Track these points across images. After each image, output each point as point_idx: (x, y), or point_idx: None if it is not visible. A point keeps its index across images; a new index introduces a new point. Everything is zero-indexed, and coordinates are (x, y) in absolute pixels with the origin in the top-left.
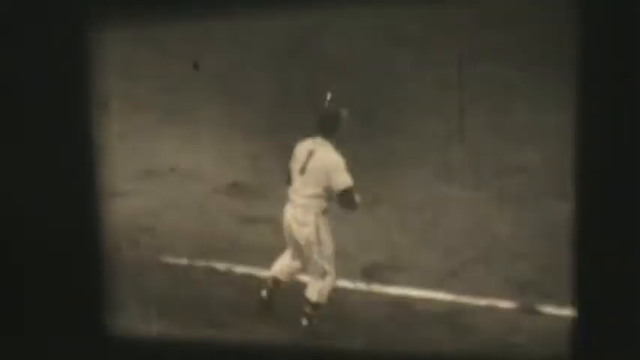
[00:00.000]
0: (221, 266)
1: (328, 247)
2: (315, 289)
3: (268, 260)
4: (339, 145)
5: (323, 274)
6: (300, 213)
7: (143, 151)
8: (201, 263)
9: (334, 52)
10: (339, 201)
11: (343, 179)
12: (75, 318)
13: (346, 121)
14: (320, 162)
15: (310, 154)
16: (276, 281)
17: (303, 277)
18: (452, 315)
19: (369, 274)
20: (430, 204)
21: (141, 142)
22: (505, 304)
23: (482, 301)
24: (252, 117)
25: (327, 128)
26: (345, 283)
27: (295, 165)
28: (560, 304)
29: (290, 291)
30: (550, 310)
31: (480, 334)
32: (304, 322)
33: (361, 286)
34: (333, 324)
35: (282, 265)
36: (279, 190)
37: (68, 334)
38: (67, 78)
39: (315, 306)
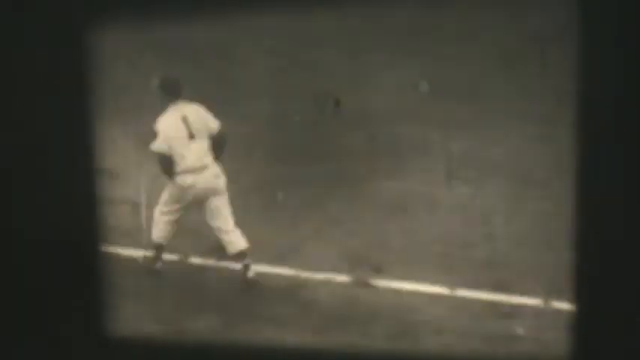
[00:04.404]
0: None
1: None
2: (240, 237)
3: (127, 240)
4: None
5: (233, 221)
6: (210, 172)
7: None
8: None
9: None
10: (215, 140)
11: (215, 122)
12: (74, 318)
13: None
14: (199, 118)
15: (185, 119)
16: (160, 248)
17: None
18: (293, 289)
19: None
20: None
21: None
22: (341, 277)
23: (320, 275)
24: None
25: (173, 92)
26: (196, 260)
27: (178, 137)
28: (392, 277)
29: None
30: (382, 283)
31: (319, 306)
32: (250, 274)
33: (210, 262)
34: (184, 301)
35: (166, 229)
36: (136, 172)
37: (67, 334)
38: (67, 78)
39: (249, 249)
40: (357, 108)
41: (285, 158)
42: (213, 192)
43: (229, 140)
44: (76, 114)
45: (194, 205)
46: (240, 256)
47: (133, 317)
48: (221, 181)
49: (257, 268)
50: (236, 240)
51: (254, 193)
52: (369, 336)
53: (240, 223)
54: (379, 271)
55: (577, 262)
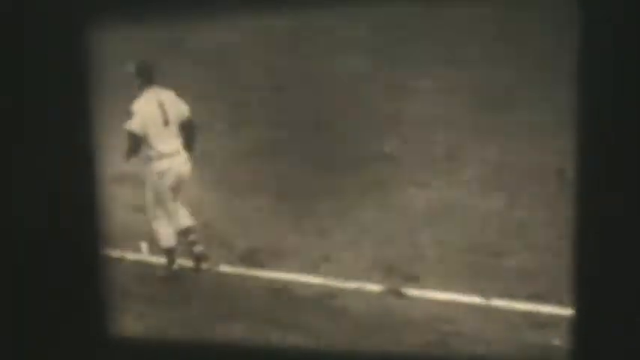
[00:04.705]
0: (114, 253)
1: None
2: (188, 215)
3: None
4: None
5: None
6: (181, 157)
7: None
8: None
9: None
10: (186, 127)
11: (186, 108)
12: (74, 318)
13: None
14: (173, 104)
15: (161, 104)
16: (171, 251)
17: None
18: (325, 298)
19: (248, 259)
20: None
21: None
22: (373, 286)
23: (353, 284)
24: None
25: (147, 77)
26: (225, 268)
27: (154, 122)
28: (425, 286)
29: None
30: (414, 292)
31: (351, 316)
32: (199, 248)
33: (240, 270)
34: (214, 308)
35: (168, 234)
36: None
37: (67, 334)
38: (67, 78)
39: (195, 227)
40: (390, 115)
41: (317, 166)
42: (186, 177)
43: (263, 147)
44: (76, 114)
45: (172, 194)
46: (187, 232)
47: (161, 324)
48: (189, 167)
49: (289, 277)
50: (183, 217)
51: (287, 202)
52: (401, 346)
53: (272, 231)
54: (412, 280)
55: (577, 262)
